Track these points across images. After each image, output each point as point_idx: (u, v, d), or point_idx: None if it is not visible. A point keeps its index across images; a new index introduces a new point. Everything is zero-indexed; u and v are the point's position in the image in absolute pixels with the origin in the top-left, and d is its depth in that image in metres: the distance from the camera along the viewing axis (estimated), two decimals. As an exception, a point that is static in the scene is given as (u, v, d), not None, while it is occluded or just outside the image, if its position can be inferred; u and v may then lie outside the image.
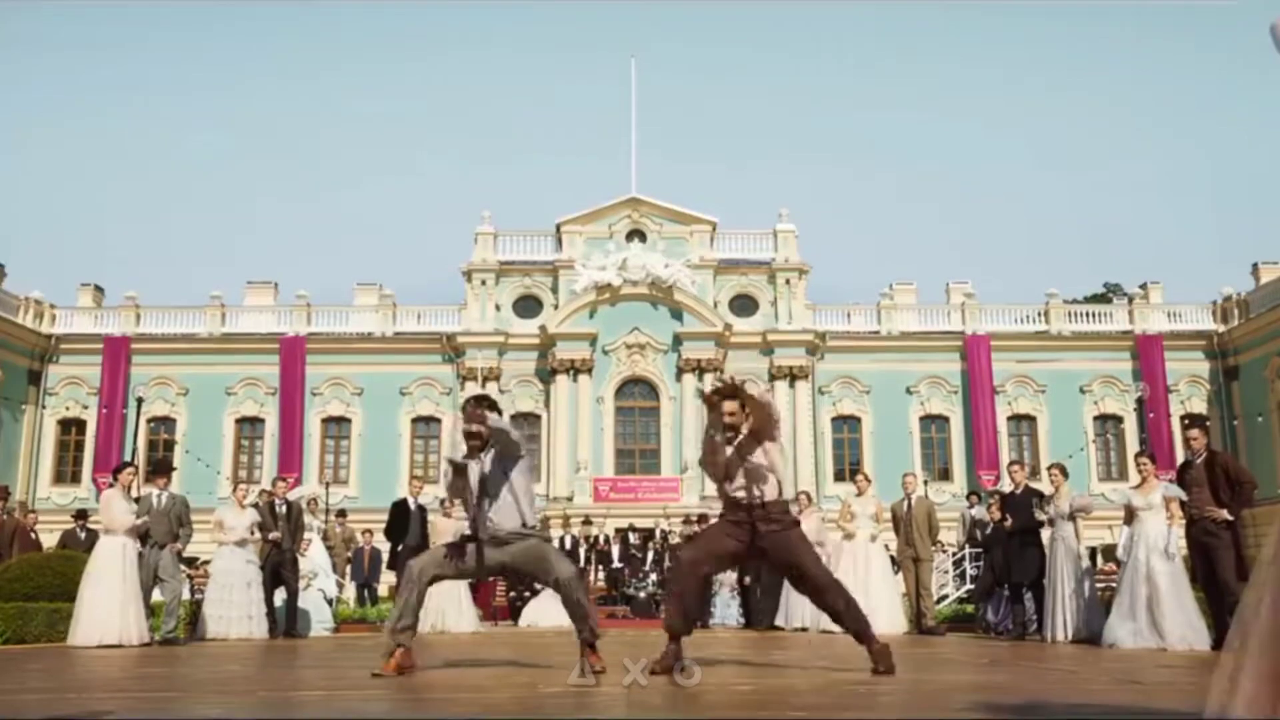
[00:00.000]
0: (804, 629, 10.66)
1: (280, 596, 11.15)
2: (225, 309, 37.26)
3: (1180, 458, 34.71)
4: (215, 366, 35.96)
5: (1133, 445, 35.58)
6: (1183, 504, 8.45)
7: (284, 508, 11.16)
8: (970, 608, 12.76)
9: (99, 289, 39.38)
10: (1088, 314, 38.25)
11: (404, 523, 12.06)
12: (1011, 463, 10.53)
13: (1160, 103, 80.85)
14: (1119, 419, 36.18)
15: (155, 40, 79.00)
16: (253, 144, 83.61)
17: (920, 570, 11.36)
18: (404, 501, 12.39)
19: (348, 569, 17.73)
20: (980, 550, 16.46)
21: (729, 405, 5.85)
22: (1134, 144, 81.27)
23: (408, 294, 38.39)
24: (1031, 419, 36.30)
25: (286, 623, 10.94)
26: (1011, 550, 10.12)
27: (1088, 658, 7.33)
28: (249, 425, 36.47)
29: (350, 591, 17.64)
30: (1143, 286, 38.58)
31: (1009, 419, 36.19)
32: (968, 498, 17.79)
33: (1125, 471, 35.31)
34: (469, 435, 5.77)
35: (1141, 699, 4.65)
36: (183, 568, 10.44)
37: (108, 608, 8.71)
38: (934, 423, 36.23)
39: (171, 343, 36.42)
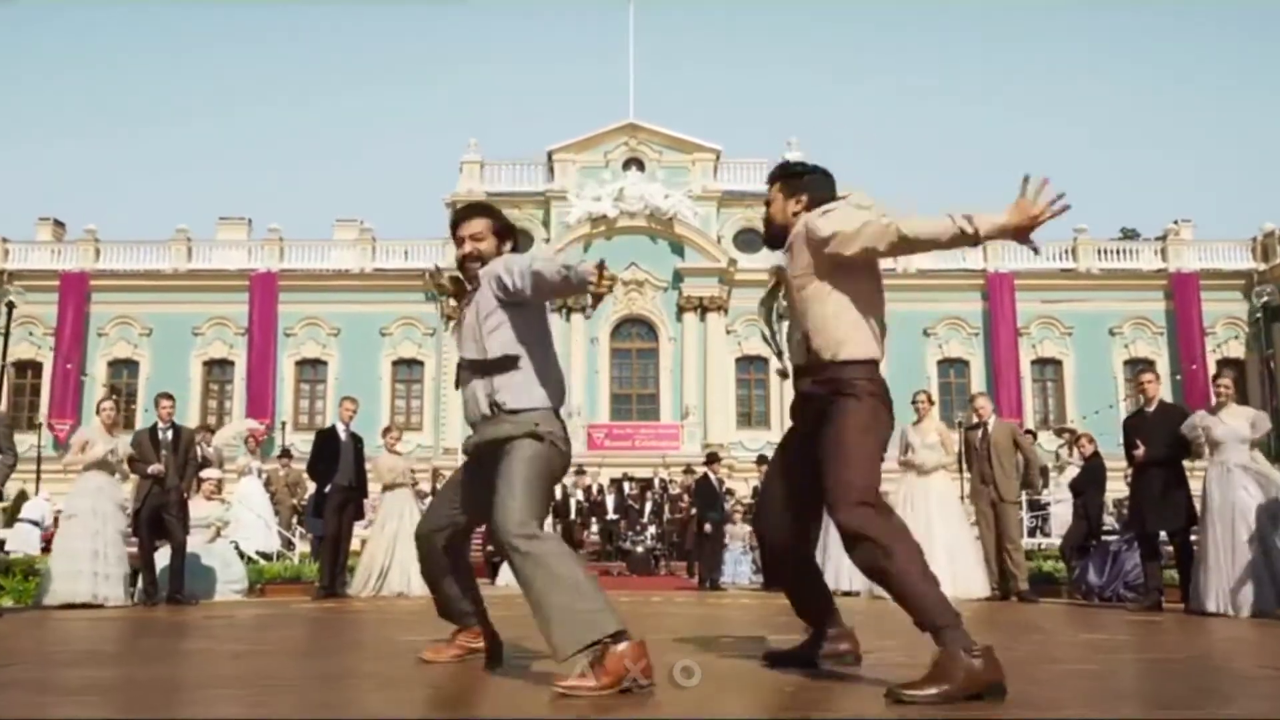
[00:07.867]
0: (854, 593, 8.19)
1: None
2: (192, 243, 34.81)
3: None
4: (181, 305, 33.60)
5: (1169, 393, 33.22)
6: None
7: (169, 433, 8.60)
8: (1045, 564, 10.26)
9: (59, 223, 36.94)
10: (1118, 251, 35.63)
11: (332, 456, 9.51)
12: (1141, 371, 7.89)
13: (1191, 38, 77.70)
14: (1151, 363, 33.69)
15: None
16: (227, 73, 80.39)
17: (1003, 515, 8.69)
18: (332, 429, 9.80)
19: (294, 519, 15.32)
20: (1038, 498, 14.22)
21: None
22: (1160, 80, 78.19)
23: (391, 230, 35.77)
24: (1057, 363, 33.98)
25: (171, 584, 8.35)
26: (1145, 491, 7.34)
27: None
28: (217, 368, 34.17)
29: (306, 545, 15.19)
30: (1175, 222, 35.93)
31: (1033, 363, 33.99)
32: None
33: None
34: (467, 257, 3.64)
35: None
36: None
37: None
38: (953, 367, 33.96)
39: (134, 279, 33.87)
